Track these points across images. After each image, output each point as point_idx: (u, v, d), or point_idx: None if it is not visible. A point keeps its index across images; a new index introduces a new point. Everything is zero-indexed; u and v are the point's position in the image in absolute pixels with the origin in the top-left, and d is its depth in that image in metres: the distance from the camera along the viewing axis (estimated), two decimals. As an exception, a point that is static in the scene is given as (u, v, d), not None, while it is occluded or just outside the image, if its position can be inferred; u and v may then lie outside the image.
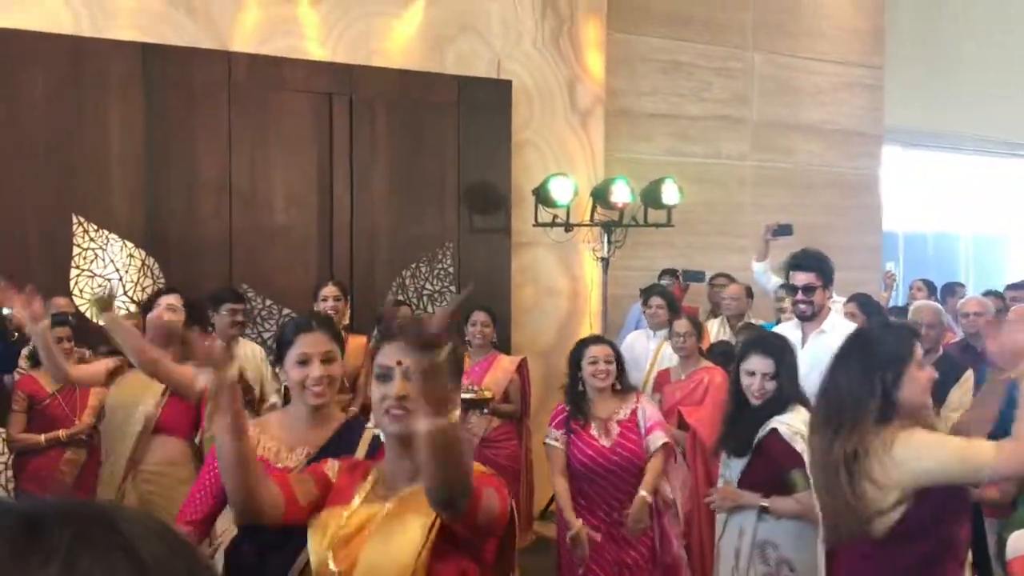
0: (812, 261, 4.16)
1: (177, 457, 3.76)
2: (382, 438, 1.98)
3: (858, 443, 2.44)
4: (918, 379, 2.51)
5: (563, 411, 4.07)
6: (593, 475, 3.94)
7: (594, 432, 3.96)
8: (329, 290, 5.11)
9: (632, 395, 4.09)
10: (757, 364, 3.46)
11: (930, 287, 7.48)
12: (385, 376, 1.90)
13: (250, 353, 5.01)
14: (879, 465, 2.41)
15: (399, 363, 1.87)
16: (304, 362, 2.41)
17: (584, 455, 3.94)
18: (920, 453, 2.40)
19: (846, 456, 2.46)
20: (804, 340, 4.18)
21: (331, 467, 2.00)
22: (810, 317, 4.14)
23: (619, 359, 4.08)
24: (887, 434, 2.43)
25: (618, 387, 4.06)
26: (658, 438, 3.97)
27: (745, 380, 3.50)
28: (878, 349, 2.57)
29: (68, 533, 0.66)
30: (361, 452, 2.33)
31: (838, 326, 4.18)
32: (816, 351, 4.02)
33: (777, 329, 4.62)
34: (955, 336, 5.96)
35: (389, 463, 1.93)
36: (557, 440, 4.02)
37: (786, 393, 3.45)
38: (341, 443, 2.38)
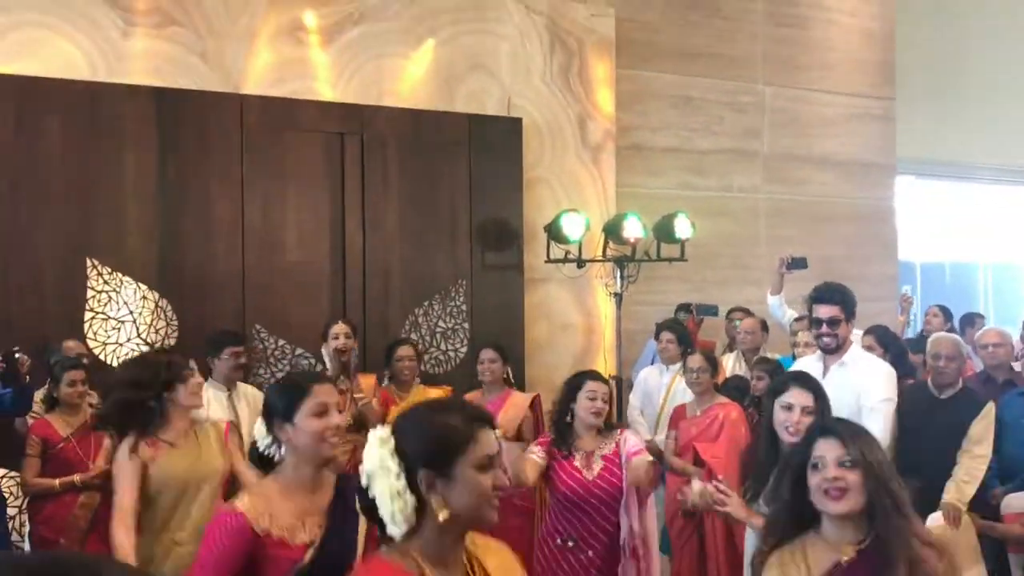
0: (835, 294, 4.16)
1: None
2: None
3: None
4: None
5: (548, 440, 4.01)
6: (573, 505, 3.88)
7: (577, 463, 3.90)
8: (339, 328, 5.09)
9: (616, 431, 4.04)
10: (797, 397, 3.25)
11: (946, 313, 7.41)
12: (490, 466, 1.80)
13: (251, 396, 4.93)
14: None
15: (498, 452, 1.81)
16: (322, 413, 2.38)
17: (565, 485, 3.88)
18: None
19: None
20: (825, 372, 4.16)
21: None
22: (834, 350, 4.14)
23: (611, 395, 4.05)
24: None
25: (602, 427, 3.99)
26: (643, 458, 3.87)
27: (781, 415, 3.25)
28: None
29: None
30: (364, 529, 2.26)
31: (859, 359, 4.18)
32: (837, 384, 4.01)
33: (798, 362, 4.59)
34: (974, 368, 5.89)
35: (443, 548, 1.81)
36: (538, 456, 3.93)
37: None
38: (338, 503, 2.34)
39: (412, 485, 1.76)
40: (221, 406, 4.69)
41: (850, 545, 2.24)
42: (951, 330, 6.88)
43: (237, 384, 4.87)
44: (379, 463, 1.77)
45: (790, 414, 3.22)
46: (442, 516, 1.75)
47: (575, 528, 3.90)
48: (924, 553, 2.19)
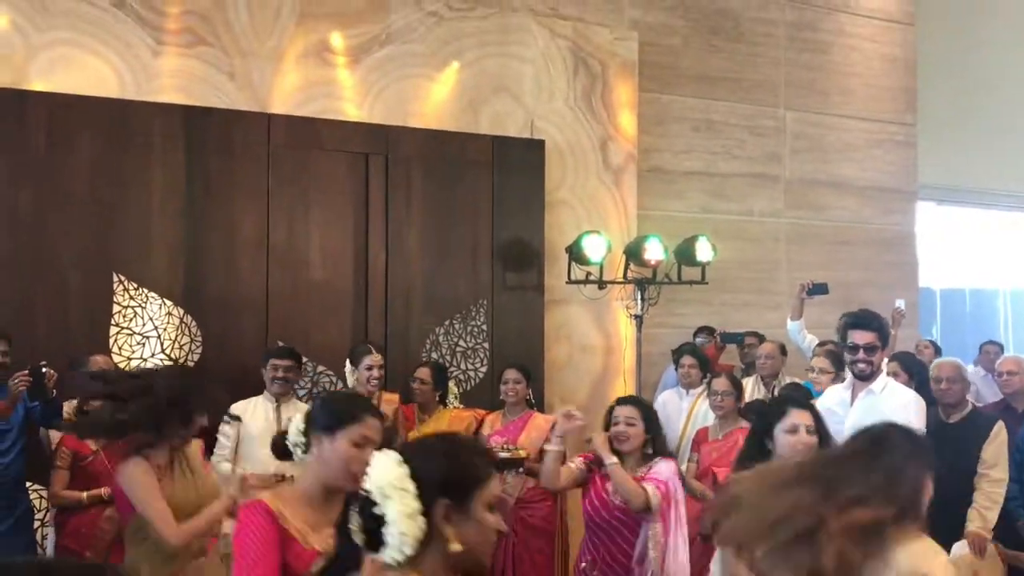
0: (873, 321, 4.18)
1: None
2: None
3: None
4: None
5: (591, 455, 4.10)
6: (596, 526, 3.95)
7: (608, 486, 3.93)
8: (374, 359, 5.10)
9: (655, 459, 3.97)
10: (799, 417, 3.21)
11: (936, 347, 7.39)
12: (495, 509, 1.83)
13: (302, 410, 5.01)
14: None
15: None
16: (361, 445, 2.38)
17: (590, 503, 3.97)
18: None
19: None
20: (853, 399, 4.14)
21: None
22: (869, 376, 4.12)
23: (649, 421, 3.99)
24: None
25: (649, 451, 3.98)
26: (648, 484, 3.85)
27: (789, 440, 3.17)
28: None
29: None
30: None
31: (888, 388, 4.15)
32: (865, 411, 3.99)
33: (826, 391, 4.55)
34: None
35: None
36: (575, 464, 4.08)
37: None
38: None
39: (425, 512, 1.73)
40: (267, 417, 4.81)
41: None
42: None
43: (291, 399, 5.01)
44: (396, 483, 1.74)
45: (797, 436, 3.18)
46: (454, 547, 1.72)
47: (596, 551, 3.91)
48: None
